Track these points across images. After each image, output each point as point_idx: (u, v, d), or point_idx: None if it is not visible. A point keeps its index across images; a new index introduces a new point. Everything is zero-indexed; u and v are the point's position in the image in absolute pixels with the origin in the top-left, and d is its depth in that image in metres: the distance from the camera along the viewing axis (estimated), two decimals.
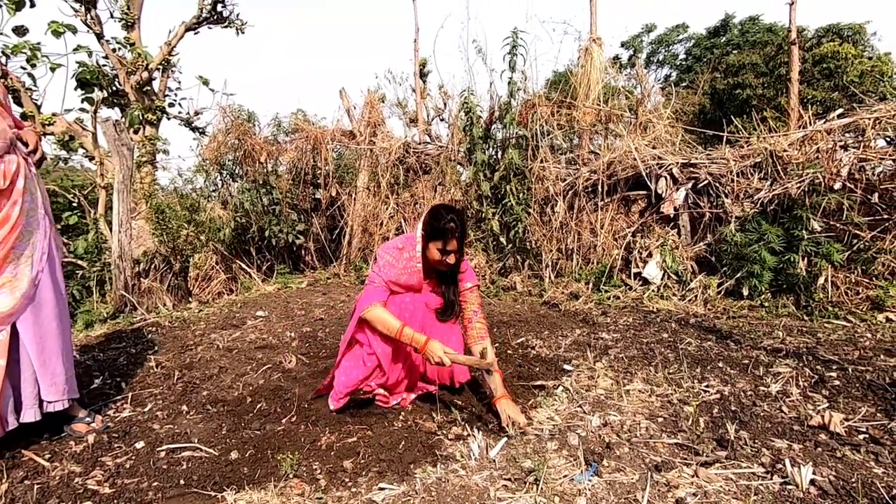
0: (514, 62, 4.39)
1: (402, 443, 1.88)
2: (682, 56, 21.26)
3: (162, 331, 3.43)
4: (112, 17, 5.97)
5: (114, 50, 5.86)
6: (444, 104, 10.62)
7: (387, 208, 5.42)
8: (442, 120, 10.75)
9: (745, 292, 3.64)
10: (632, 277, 4.07)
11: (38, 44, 5.08)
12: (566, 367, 2.59)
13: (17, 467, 1.72)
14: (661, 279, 3.94)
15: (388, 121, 6.30)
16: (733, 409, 2.03)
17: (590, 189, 4.45)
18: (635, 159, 4.12)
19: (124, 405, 2.24)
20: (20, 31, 5.13)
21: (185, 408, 2.21)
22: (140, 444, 1.89)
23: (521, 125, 4.60)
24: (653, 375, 2.41)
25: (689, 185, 4.04)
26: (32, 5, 5.23)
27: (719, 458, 1.68)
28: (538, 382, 2.41)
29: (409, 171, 5.59)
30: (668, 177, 4.09)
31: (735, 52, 16.02)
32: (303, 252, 5.92)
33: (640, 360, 2.64)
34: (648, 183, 4.12)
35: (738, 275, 3.67)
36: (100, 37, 5.70)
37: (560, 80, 5.74)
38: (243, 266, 5.47)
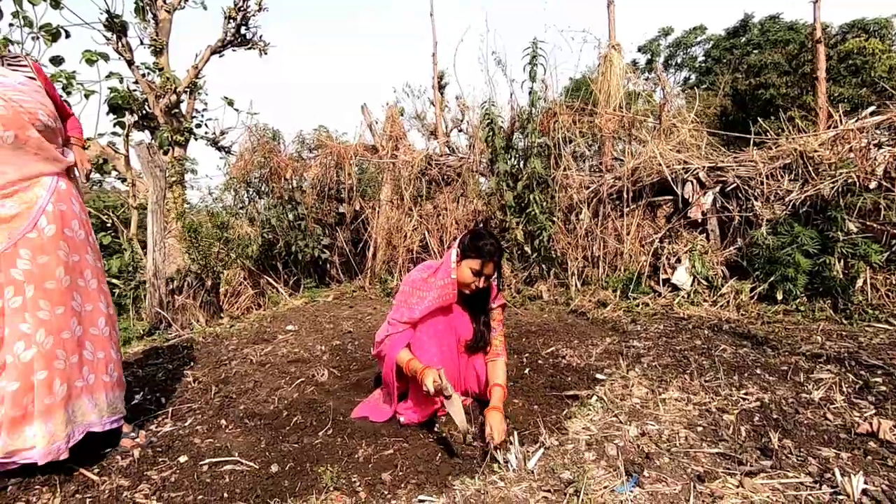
0: (534, 72, 4.41)
1: (439, 455, 1.89)
2: (700, 58, 21.04)
3: (196, 346, 3.51)
4: (142, 43, 6.21)
5: (143, 75, 6.08)
6: (463, 115, 10.70)
7: (410, 220, 5.47)
8: (460, 131, 10.83)
9: (780, 296, 3.56)
10: (660, 284, 4.02)
11: (74, 72, 5.30)
12: (598, 376, 2.57)
13: (69, 482, 1.78)
14: (691, 285, 3.88)
15: (408, 133, 6.39)
16: (775, 416, 1.99)
17: (614, 196, 4.42)
18: (660, 164, 4.08)
19: (165, 420, 2.30)
20: (56, 60, 5.37)
21: (223, 422, 2.26)
22: (183, 459, 1.93)
23: (543, 134, 4.61)
24: (688, 383, 2.37)
25: (717, 188, 3.99)
26: (67, 36, 5.47)
27: (764, 467, 1.64)
28: (571, 392, 2.39)
29: (432, 183, 5.64)
30: (695, 181, 4.04)
31: (756, 51, 15.79)
32: (328, 266, 6.00)
33: (674, 367, 2.60)
34: (674, 188, 4.07)
35: (772, 279, 3.59)
36: (130, 63, 5.92)
37: (579, 87, 5.74)
38: (270, 281, 5.57)
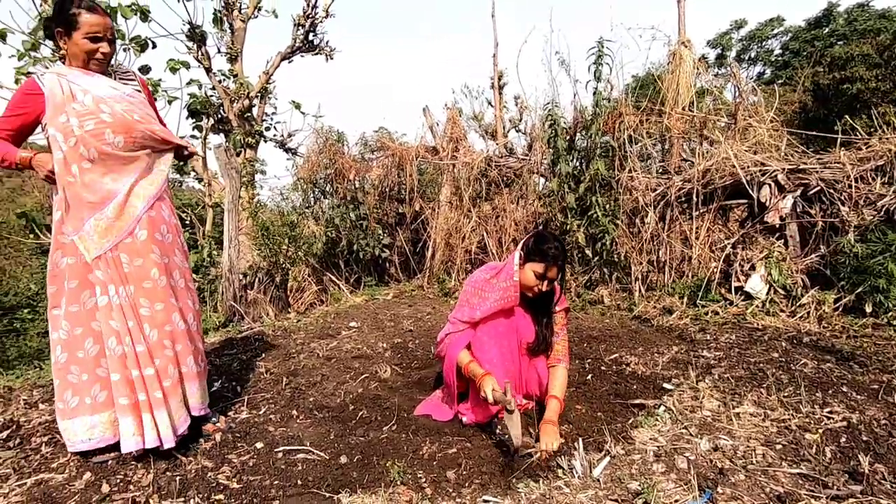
0: (599, 72, 4.31)
1: (502, 456, 1.90)
2: (777, 51, 19.77)
3: (267, 339, 3.70)
4: (219, 52, 6.60)
5: (220, 81, 6.47)
6: (521, 115, 10.61)
7: (469, 221, 5.49)
8: (518, 131, 10.74)
9: (868, 309, 3.29)
10: (732, 292, 3.82)
11: (159, 80, 5.72)
12: (666, 385, 2.49)
13: (160, 460, 1.93)
14: (767, 294, 3.67)
15: (467, 134, 6.43)
16: (865, 438, 1.85)
17: (683, 199, 4.25)
18: (734, 166, 3.88)
19: (241, 408, 2.44)
20: (144, 69, 5.80)
21: (294, 412, 2.37)
22: (260, 445, 2.05)
23: (607, 135, 4.51)
24: (765, 398, 2.25)
25: (798, 192, 3.74)
26: (154, 46, 5.91)
27: (853, 492, 1.54)
28: (637, 401, 2.33)
29: (491, 184, 5.64)
30: (773, 184, 3.81)
31: (841, 43, 14.64)
32: (388, 265, 6.14)
33: (748, 381, 2.47)
34: (750, 191, 3.86)
35: (859, 290, 3.33)
36: (208, 70, 6.32)
37: (644, 85, 5.54)
38: (333, 278, 5.77)
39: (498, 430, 2.10)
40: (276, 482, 1.78)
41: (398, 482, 1.74)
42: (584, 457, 1.79)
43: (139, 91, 2.07)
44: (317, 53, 7.57)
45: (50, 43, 4.74)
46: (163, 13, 6.33)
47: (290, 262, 5.08)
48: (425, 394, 2.56)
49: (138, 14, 5.65)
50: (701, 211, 4.13)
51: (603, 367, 2.83)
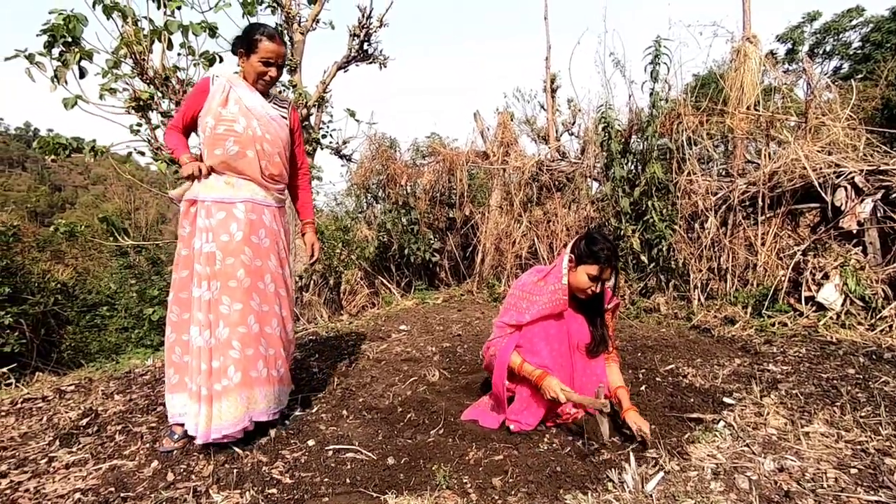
0: (656, 72, 4.18)
1: (549, 465, 1.86)
2: (856, 44, 18.36)
3: (320, 339, 3.82)
4: None
5: (280, 92, 6.76)
6: (574, 119, 10.42)
7: (519, 226, 5.45)
8: (571, 134, 10.55)
9: None
10: (802, 302, 3.57)
11: None
12: (726, 400, 2.36)
13: (219, 452, 2.04)
14: (842, 305, 3.41)
15: (518, 137, 6.40)
16: None
17: (747, 203, 4.02)
18: (805, 168, 3.64)
19: (295, 405, 2.53)
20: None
21: (344, 412, 2.43)
22: (311, 442, 2.12)
23: (665, 137, 4.35)
24: (838, 418, 2.08)
25: (878, 195, 3.46)
26: (220, 60, 6.26)
27: None
28: (694, 415, 2.22)
29: (542, 189, 5.57)
30: (849, 187, 3.54)
31: None
32: (438, 269, 6.19)
33: (819, 398, 2.30)
34: (822, 194, 3.60)
35: None
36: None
37: (706, 83, 5.30)
38: (384, 281, 5.88)
39: (546, 438, 2.06)
40: (325, 479, 1.83)
41: (444, 486, 1.75)
42: (635, 470, 1.73)
43: (284, 118, 2.25)
44: (371, 62, 7.76)
45: (130, 61, 5.13)
46: (229, 29, 6.70)
47: (344, 266, 5.23)
48: (472, 399, 2.55)
49: (207, 31, 6.02)
50: (767, 216, 3.90)
51: (658, 379, 2.72)
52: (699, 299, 4.06)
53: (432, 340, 3.68)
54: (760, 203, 3.88)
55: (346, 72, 7.62)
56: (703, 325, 3.70)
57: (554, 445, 2.02)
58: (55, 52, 4.15)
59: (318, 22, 7.34)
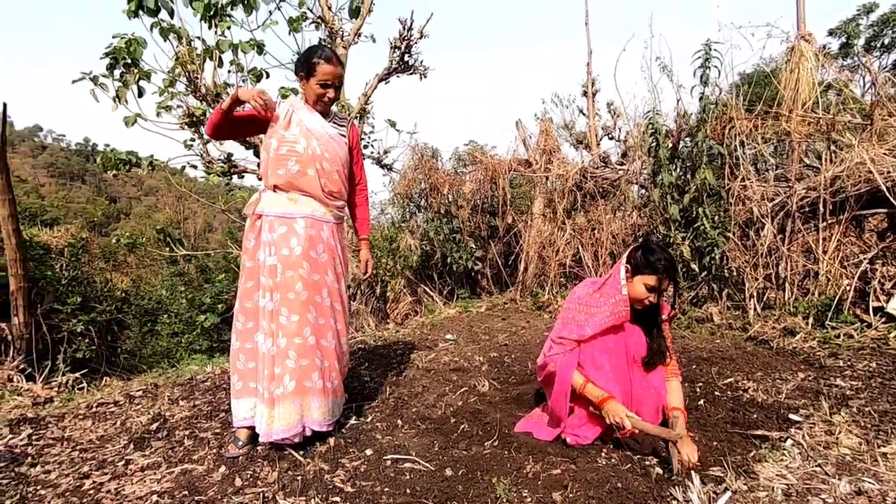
0: (706, 75, 4.08)
1: (609, 481, 1.84)
2: None
3: (368, 348, 3.89)
4: None
5: (341, 108, 6.95)
6: (614, 123, 10.25)
7: (563, 234, 5.40)
8: (611, 138, 10.37)
9: None
10: (870, 312, 3.39)
11: None
12: (793, 416, 2.27)
13: (282, 459, 2.11)
14: None
15: (560, 145, 6.36)
16: None
17: (806, 209, 3.86)
18: (870, 172, 3.46)
19: (350, 414, 2.58)
20: None
21: (399, 422, 2.47)
22: (369, 451, 2.16)
23: (715, 141, 4.22)
24: None
25: None
26: (268, 76, 6.50)
27: None
28: (759, 432, 2.15)
29: (586, 196, 5.51)
30: None
31: None
32: (480, 277, 6.20)
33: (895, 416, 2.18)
34: (891, 199, 3.42)
35: None
36: None
37: (758, 82, 5.11)
38: (427, 290, 5.93)
39: (604, 453, 2.03)
40: (386, 489, 1.86)
41: (504, 500, 1.75)
42: (700, 489, 1.69)
43: (343, 136, 2.35)
44: (412, 73, 7.89)
45: (184, 79, 5.40)
46: (276, 46, 6.96)
47: (390, 275, 5.31)
48: (524, 410, 2.55)
49: (255, 48, 6.27)
50: (829, 222, 3.73)
51: (717, 393, 2.64)
52: (755, 309, 3.91)
53: (479, 350, 3.69)
54: (821, 209, 3.71)
55: (387, 83, 7.77)
56: (760, 336, 3.57)
57: (613, 460, 1.99)
58: (116, 73, 4.43)
59: (359, 36, 7.51)
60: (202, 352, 6.00)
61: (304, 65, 2.22)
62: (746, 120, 4.06)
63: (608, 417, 1.98)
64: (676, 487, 1.74)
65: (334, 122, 2.35)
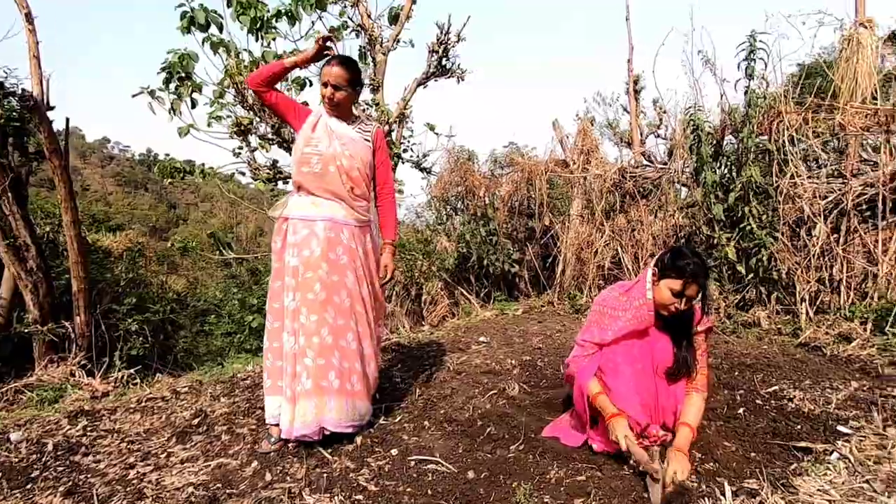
0: (751, 69, 3.89)
1: (635, 490, 1.79)
2: None
3: (402, 350, 3.93)
4: (363, 83, 7.26)
5: (363, 110, 7.10)
6: (661, 120, 9.93)
7: (601, 235, 5.28)
8: (657, 136, 10.05)
9: None
10: None
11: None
12: (841, 428, 2.13)
13: (310, 456, 2.17)
14: None
15: (600, 143, 6.22)
16: None
17: (864, 206, 3.61)
18: None
19: (379, 413, 2.62)
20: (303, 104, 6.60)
21: (426, 423, 2.49)
22: (394, 451, 2.19)
23: (763, 137, 4.02)
24: None
25: None
26: (311, 85, 6.70)
27: None
28: (802, 444, 2.03)
29: (626, 196, 5.37)
30: None
31: None
32: (517, 280, 6.14)
33: None
34: None
35: None
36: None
37: (812, 74, 4.83)
38: (464, 292, 5.94)
39: (632, 461, 1.98)
40: (408, 489, 1.89)
41: None
42: (731, 502, 1.61)
43: (367, 141, 2.41)
44: (449, 77, 7.93)
45: (232, 90, 5.67)
46: None
47: (425, 277, 5.36)
48: (554, 414, 2.51)
49: None
50: (889, 220, 3.47)
51: (759, 401, 2.51)
52: (807, 313, 3.69)
53: (512, 353, 3.66)
54: (881, 206, 3.46)
55: (425, 87, 7.85)
56: (812, 342, 3.36)
57: (638, 467, 1.93)
58: (171, 86, 4.69)
59: (398, 41, 7.63)
60: (251, 351, 6.26)
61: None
62: (796, 114, 3.85)
63: (610, 433, 1.92)
64: (705, 499, 1.67)
65: (359, 128, 2.42)
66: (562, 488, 1.83)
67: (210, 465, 2.16)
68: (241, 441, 2.39)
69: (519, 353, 3.67)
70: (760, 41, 3.85)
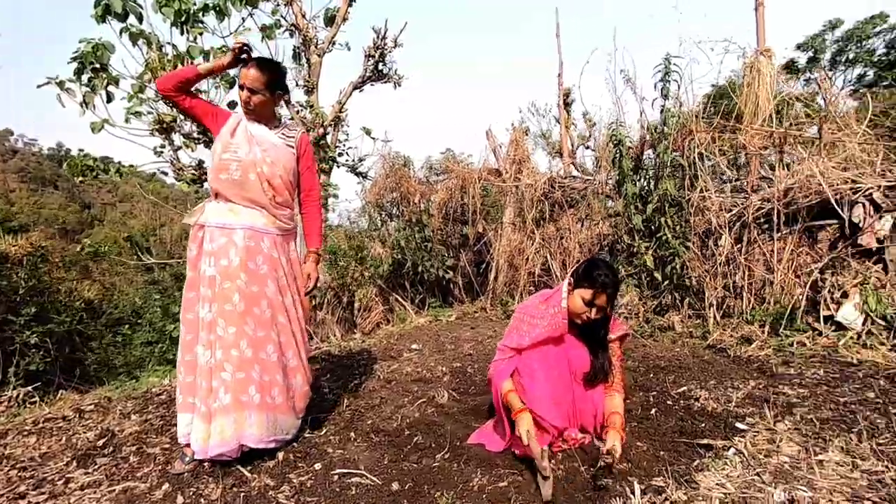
0: (666, 89, 4.17)
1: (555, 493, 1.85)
2: (881, 50, 18.00)
3: (332, 359, 3.86)
4: (297, 84, 7.08)
5: (297, 112, 6.92)
6: (590, 133, 10.41)
7: (532, 243, 5.45)
8: (587, 148, 10.52)
9: None
10: (821, 321, 3.49)
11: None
12: (739, 425, 2.31)
13: (227, 475, 2.07)
14: (862, 324, 3.32)
15: (532, 152, 6.45)
16: None
17: (762, 220, 3.96)
18: (820, 184, 3.57)
19: (305, 427, 2.55)
20: (231, 105, 6.32)
21: (352, 434, 2.45)
22: (318, 466, 2.14)
23: (677, 153, 4.32)
24: (855, 445, 2.02)
25: None
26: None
27: None
28: (704, 441, 2.18)
29: (555, 205, 5.57)
30: (868, 203, 3.47)
31: None
32: (451, 286, 6.20)
33: (836, 423, 2.24)
34: (839, 211, 3.53)
35: None
36: (287, 102, 6.78)
37: (725, 94, 5.25)
38: (399, 298, 5.92)
39: (552, 463, 2.04)
40: None
41: None
42: (640, 500, 1.71)
43: (290, 147, 2.33)
44: (386, 81, 7.91)
45: (154, 85, 5.34)
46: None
47: (357, 284, 5.28)
48: (480, 421, 2.55)
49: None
50: (783, 232, 3.83)
51: (669, 402, 2.68)
52: (715, 317, 3.99)
53: (443, 360, 3.69)
54: (776, 220, 3.82)
55: (361, 91, 7.77)
56: (718, 344, 3.64)
57: (560, 473, 2.00)
58: (84, 78, 4.34)
59: (334, 44, 7.50)
60: (173, 362, 5.90)
61: None
62: (705, 132, 4.17)
63: (515, 429, 2.00)
64: (617, 499, 1.75)
65: (283, 133, 2.34)
66: (484, 495, 1.86)
67: (115, 490, 2.01)
68: (151, 462, 2.25)
69: (450, 359, 3.70)
70: (674, 64, 4.14)
